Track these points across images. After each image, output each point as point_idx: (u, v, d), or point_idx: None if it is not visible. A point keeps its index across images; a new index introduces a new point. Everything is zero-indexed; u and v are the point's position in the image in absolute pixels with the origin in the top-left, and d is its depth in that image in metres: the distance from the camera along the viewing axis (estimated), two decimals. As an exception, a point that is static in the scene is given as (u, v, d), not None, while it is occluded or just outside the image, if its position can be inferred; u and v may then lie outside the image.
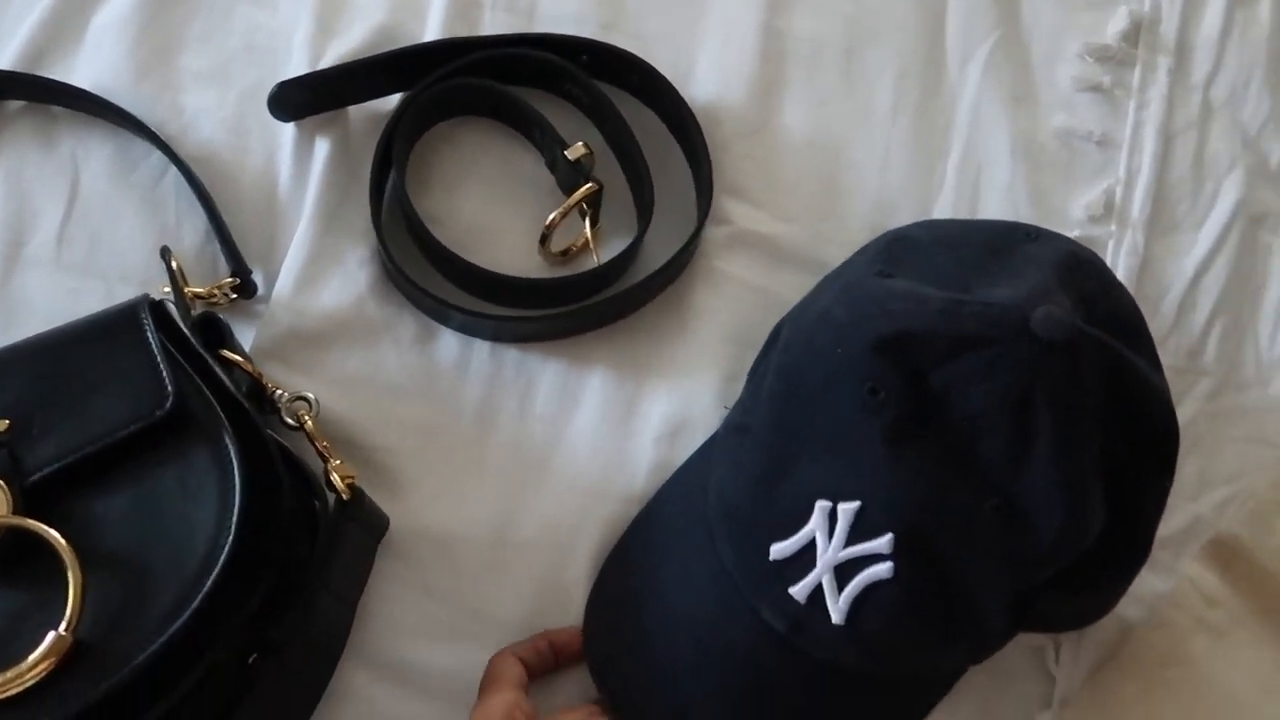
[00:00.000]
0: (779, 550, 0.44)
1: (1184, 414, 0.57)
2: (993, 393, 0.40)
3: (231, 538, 0.41)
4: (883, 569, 0.42)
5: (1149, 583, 0.54)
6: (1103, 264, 0.48)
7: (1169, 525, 0.55)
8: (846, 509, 0.42)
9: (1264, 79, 0.64)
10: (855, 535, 0.42)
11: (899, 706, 0.48)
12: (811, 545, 0.43)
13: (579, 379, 0.55)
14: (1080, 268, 0.45)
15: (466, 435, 0.54)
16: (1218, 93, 0.64)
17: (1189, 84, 0.64)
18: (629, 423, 0.54)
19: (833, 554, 0.43)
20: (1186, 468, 0.56)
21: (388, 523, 0.50)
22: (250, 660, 0.44)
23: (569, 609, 0.51)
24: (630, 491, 0.53)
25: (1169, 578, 0.54)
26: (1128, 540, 0.45)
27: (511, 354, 0.55)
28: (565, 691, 0.50)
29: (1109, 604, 0.48)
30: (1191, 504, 0.56)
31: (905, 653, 0.45)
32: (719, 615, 0.46)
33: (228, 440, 0.43)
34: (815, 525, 0.43)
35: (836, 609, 0.43)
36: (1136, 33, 0.64)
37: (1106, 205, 0.61)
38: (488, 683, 0.47)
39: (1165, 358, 0.58)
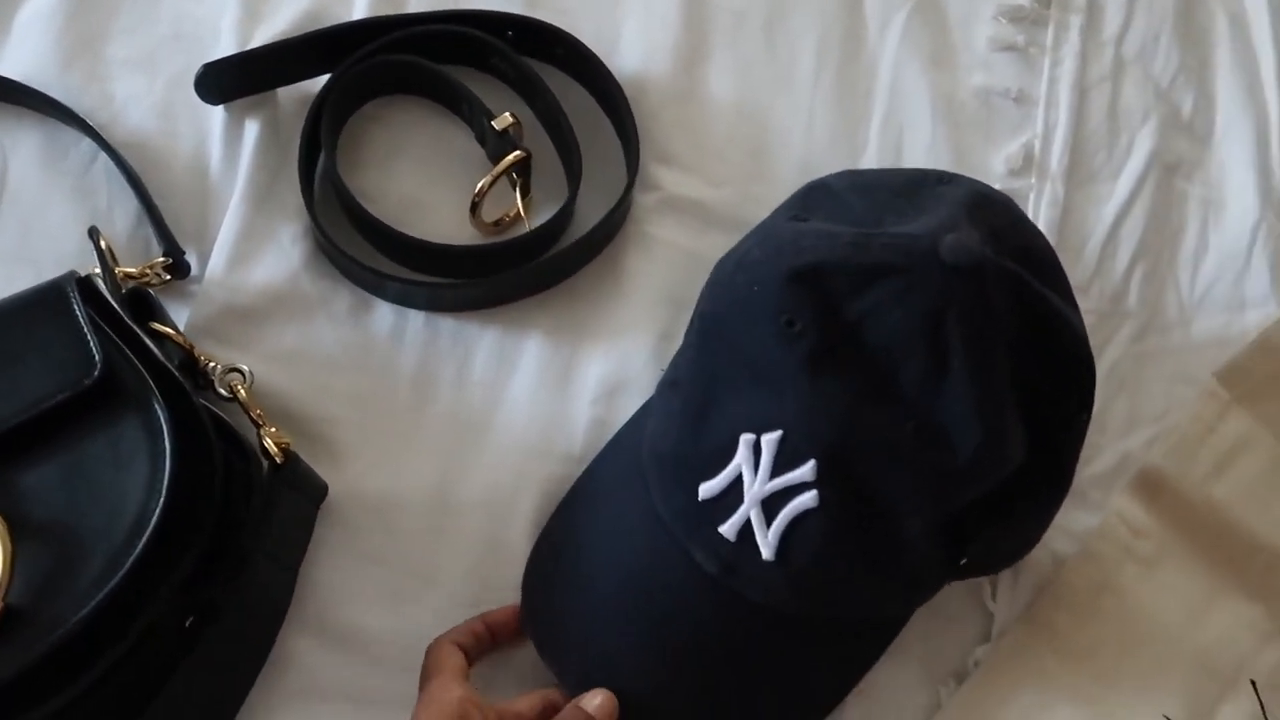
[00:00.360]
0: (707, 489, 0.45)
1: (1110, 356, 0.59)
2: (907, 320, 0.42)
3: (162, 501, 0.42)
4: (808, 498, 0.43)
5: (1081, 520, 0.55)
6: (1013, 203, 0.49)
7: (1099, 464, 0.57)
8: (769, 439, 0.43)
9: (1173, 32, 0.66)
10: (780, 465, 0.43)
11: (839, 657, 0.48)
12: (738, 481, 0.44)
13: (515, 345, 0.56)
14: (990, 205, 0.47)
15: (404, 403, 0.54)
16: (1129, 48, 0.66)
17: (1100, 40, 0.66)
18: (566, 385, 0.55)
19: (759, 487, 0.43)
20: (1114, 408, 0.58)
21: (326, 489, 0.51)
22: (187, 624, 0.44)
23: (510, 569, 0.51)
24: (569, 452, 0.53)
25: (1101, 515, 0.55)
26: (1049, 472, 0.46)
27: (447, 323, 0.56)
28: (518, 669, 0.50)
29: (1034, 538, 0.49)
30: (1120, 442, 0.57)
31: (837, 589, 0.46)
32: (651, 561, 0.47)
33: (157, 407, 0.44)
34: (741, 459, 0.44)
35: (766, 544, 0.44)
36: (1049, -8, 0.66)
37: (1026, 158, 0.62)
38: (429, 674, 0.46)
39: (1089, 302, 0.60)
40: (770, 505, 0.43)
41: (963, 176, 0.50)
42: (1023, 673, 0.50)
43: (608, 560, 0.48)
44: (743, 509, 0.44)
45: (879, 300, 0.42)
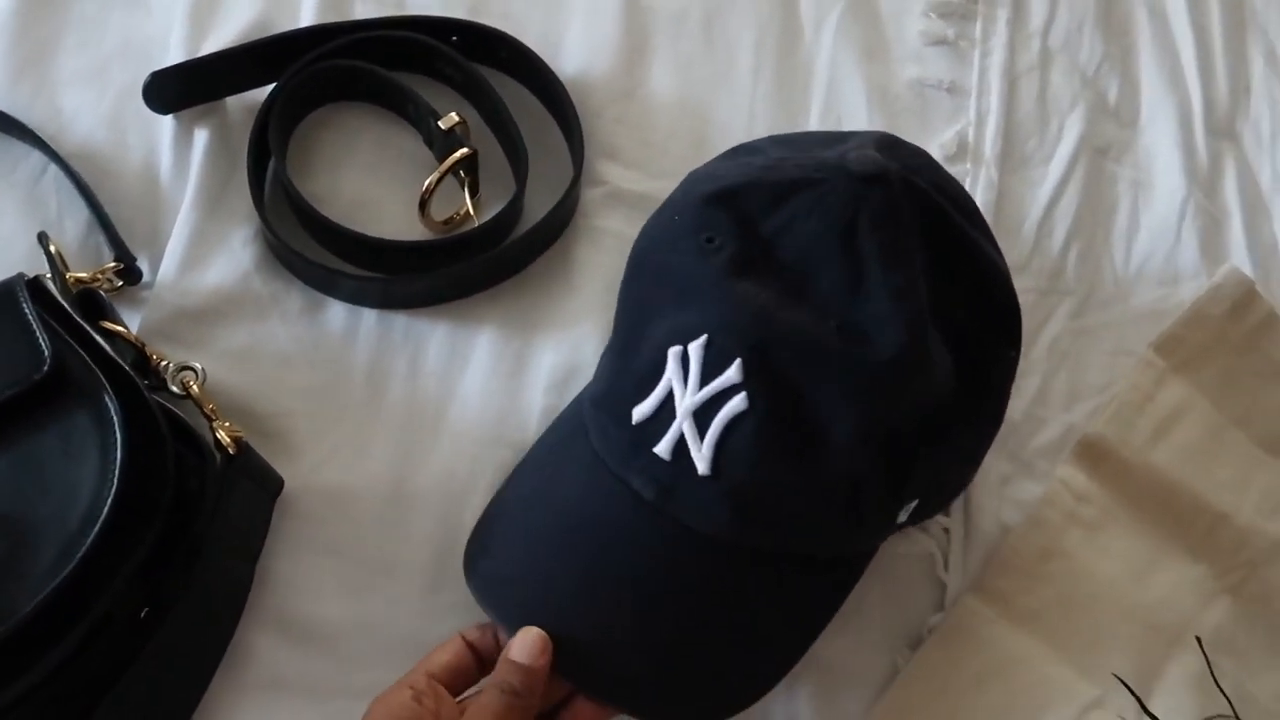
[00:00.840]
0: (640, 412, 0.45)
1: (1050, 332, 0.61)
2: (821, 229, 0.44)
3: (114, 489, 0.42)
4: (738, 401, 0.42)
5: (1029, 490, 0.56)
6: (928, 154, 0.50)
7: (1044, 436, 0.58)
8: (696, 346, 0.43)
9: (1095, 24, 0.69)
10: (708, 371, 0.43)
11: (790, 600, 0.46)
12: (669, 397, 0.44)
13: (468, 338, 0.57)
14: (903, 146, 0.49)
15: (358, 396, 0.55)
16: (1055, 39, 0.68)
17: (1027, 32, 0.68)
18: (519, 374, 0.56)
19: (690, 398, 0.43)
20: (1056, 382, 0.60)
21: (281, 482, 0.51)
22: (143, 614, 0.44)
23: (469, 554, 0.51)
24: (523, 438, 0.54)
25: (1048, 485, 0.56)
26: (982, 401, 0.47)
27: (400, 319, 0.57)
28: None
29: (972, 468, 0.50)
30: (1064, 415, 0.59)
31: (775, 506, 0.44)
32: (590, 498, 0.46)
33: (108, 399, 0.44)
34: (670, 373, 0.44)
35: (701, 457, 0.43)
36: (975, -11, 0.69)
37: (960, 145, 0.64)
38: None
39: (1028, 280, 0.62)
40: (702, 416, 0.43)
41: (878, 130, 0.52)
42: (974, 637, 0.51)
43: (548, 505, 0.47)
44: (675, 424, 0.44)
45: (794, 213, 0.44)
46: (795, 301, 0.43)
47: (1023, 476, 0.57)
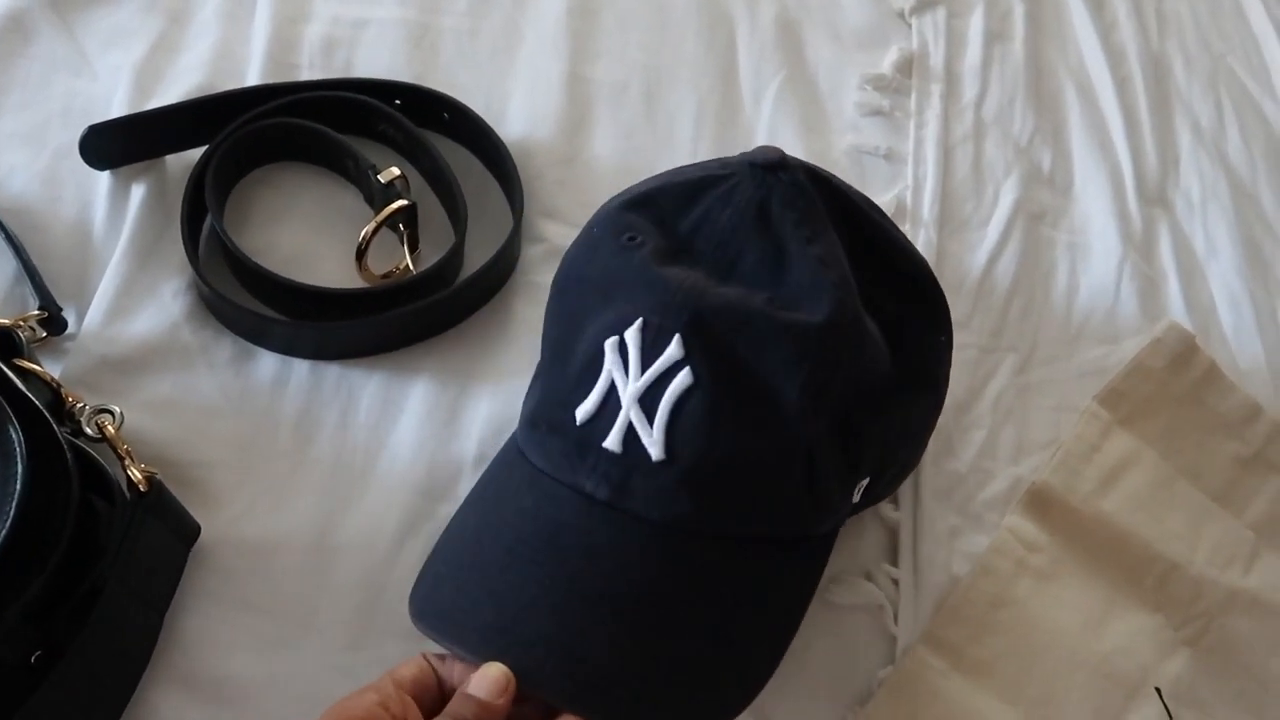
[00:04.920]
0: (584, 411, 0.43)
1: (994, 388, 0.60)
2: (736, 216, 0.45)
3: (10, 519, 0.40)
4: (683, 376, 0.41)
5: (978, 543, 0.55)
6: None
7: (992, 489, 0.57)
8: (632, 331, 0.42)
9: (1026, 99, 0.71)
10: (648, 354, 0.42)
11: (760, 591, 0.44)
12: (612, 389, 0.43)
13: (401, 388, 0.55)
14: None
15: (285, 446, 0.53)
16: (987, 111, 0.71)
17: (960, 105, 0.70)
18: (453, 425, 0.54)
19: (634, 384, 0.42)
20: (1002, 436, 0.59)
21: (198, 529, 0.48)
22: (33, 659, 0.41)
23: (392, 609, 0.49)
24: (455, 490, 0.52)
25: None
26: (916, 378, 0.47)
27: (333, 370, 0.55)
28: None
29: (912, 455, 0.51)
30: (1011, 468, 0.58)
31: (733, 485, 0.43)
32: (541, 511, 0.44)
33: (11, 430, 0.42)
34: (610, 364, 0.42)
35: (653, 442, 0.42)
36: (909, 65, 0.71)
37: (899, 208, 0.65)
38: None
39: (970, 337, 0.62)
40: (649, 400, 0.42)
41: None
42: (925, 690, 0.49)
43: (496, 532, 0.44)
44: (622, 414, 0.42)
45: (707, 208, 0.45)
46: (723, 281, 0.43)
47: (972, 529, 0.56)
